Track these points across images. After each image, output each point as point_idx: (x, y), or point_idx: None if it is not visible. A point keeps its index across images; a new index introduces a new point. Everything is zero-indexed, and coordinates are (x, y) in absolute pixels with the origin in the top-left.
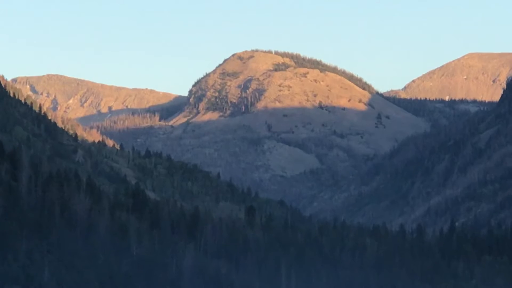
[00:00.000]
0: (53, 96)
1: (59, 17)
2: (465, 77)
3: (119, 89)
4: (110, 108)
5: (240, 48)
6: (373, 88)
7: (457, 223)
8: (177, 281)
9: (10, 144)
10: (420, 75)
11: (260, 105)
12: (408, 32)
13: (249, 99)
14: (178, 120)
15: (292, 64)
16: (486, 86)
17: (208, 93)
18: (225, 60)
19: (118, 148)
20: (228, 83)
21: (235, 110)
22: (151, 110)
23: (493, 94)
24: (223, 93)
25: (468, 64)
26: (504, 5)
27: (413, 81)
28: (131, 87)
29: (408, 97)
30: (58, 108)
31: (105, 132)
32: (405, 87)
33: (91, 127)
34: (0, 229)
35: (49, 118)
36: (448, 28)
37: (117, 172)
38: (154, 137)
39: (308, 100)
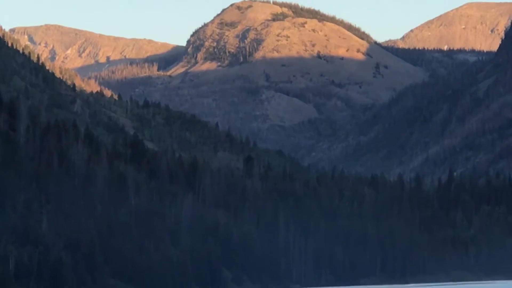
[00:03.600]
0: (51, 46)
1: None
2: (463, 26)
3: (117, 39)
4: (108, 58)
5: None
6: (371, 38)
7: (455, 173)
8: (175, 231)
9: (8, 94)
10: (418, 24)
11: (258, 55)
12: None
13: (247, 49)
14: (176, 70)
15: (290, 14)
16: (484, 36)
17: (206, 43)
18: (223, 10)
19: (116, 98)
20: (226, 33)
21: (233, 60)
22: (149, 60)
23: (491, 43)
24: (221, 43)
25: (467, 14)
26: None
27: (411, 30)
28: (129, 37)
29: (406, 47)
30: (56, 58)
31: (103, 82)
32: (403, 37)
33: (89, 77)
34: None
35: (47, 68)
36: None
37: (115, 122)
38: (152, 87)
39: (306, 50)
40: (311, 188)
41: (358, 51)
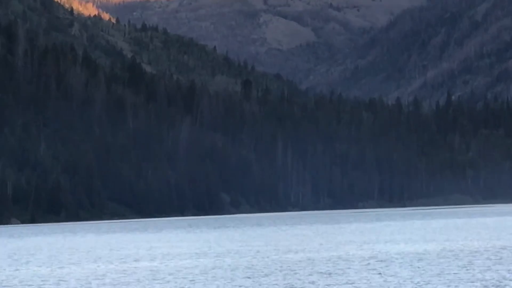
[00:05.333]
0: None
1: None
2: None
3: None
4: None
5: None
6: None
7: (453, 97)
8: (173, 154)
9: (5, 18)
10: None
11: None
12: None
13: None
14: None
15: None
16: None
17: None
18: None
19: (114, 22)
20: None
21: None
22: None
23: None
24: None
25: None
26: None
27: None
28: None
29: None
30: None
31: (101, 5)
32: None
33: (87, 1)
34: None
35: None
36: None
37: (113, 45)
38: (150, 11)
39: None
40: (309, 111)
41: None
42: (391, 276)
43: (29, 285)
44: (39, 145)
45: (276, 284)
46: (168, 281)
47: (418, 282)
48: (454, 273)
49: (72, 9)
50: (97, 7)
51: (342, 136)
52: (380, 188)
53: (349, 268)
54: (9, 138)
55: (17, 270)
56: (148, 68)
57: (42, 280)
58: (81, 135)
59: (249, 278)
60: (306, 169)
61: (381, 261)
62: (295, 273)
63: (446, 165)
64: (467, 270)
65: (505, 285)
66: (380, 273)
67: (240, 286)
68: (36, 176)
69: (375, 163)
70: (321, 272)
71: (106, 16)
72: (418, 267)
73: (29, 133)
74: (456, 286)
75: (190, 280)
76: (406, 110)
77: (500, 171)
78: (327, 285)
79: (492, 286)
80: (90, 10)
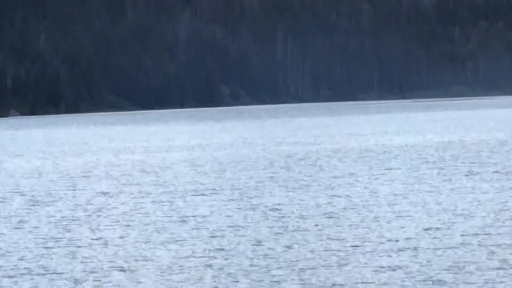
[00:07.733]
0: None
1: None
2: None
3: None
4: None
5: None
6: None
7: None
8: (173, 47)
9: None
10: None
11: None
12: None
13: None
14: None
15: None
16: None
17: None
18: None
19: None
20: None
21: None
22: None
23: None
24: None
25: None
26: None
27: None
28: None
29: None
30: None
31: None
32: None
33: None
34: None
35: None
36: None
37: None
38: None
39: None
40: (309, 3)
41: None
42: (384, 169)
43: (23, 178)
44: (39, 37)
45: (269, 177)
46: (157, 173)
47: (411, 175)
48: (449, 166)
49: None
50: None
51: (341, 28)
52: (380, 80)
53: (342, 161)
54: (8, 30)
55: (10, 162)
56: None
57: (30, 173)
58: (80, 27)
59: (242, 170)
60: (306, 61)
61: (377, 153)
62: (289, 166)
63: (446, 57)
64: (462, 162)
65: (500, 179)
66: (372, 166)
67: (232, 179)
68: (35, 68)
69: (375, 55)
70: (314, 165)
71: None
72: (413, 160)
73: (28, 25)
74: (450, 178)
75: (183, 173)
76: (406, 1)
77: (500, 63)
78: (318, 177)
79: (487, 179)
80: None
